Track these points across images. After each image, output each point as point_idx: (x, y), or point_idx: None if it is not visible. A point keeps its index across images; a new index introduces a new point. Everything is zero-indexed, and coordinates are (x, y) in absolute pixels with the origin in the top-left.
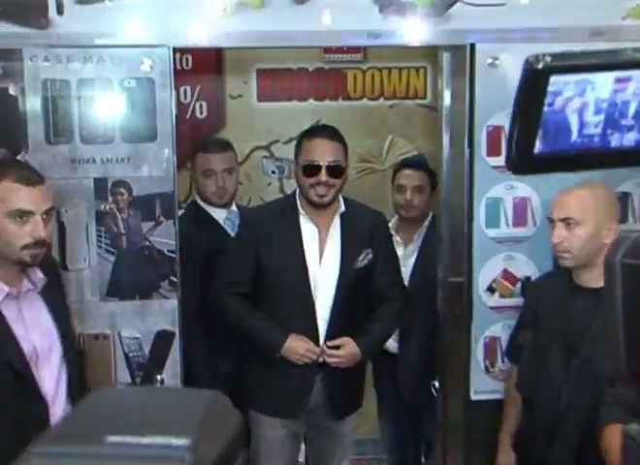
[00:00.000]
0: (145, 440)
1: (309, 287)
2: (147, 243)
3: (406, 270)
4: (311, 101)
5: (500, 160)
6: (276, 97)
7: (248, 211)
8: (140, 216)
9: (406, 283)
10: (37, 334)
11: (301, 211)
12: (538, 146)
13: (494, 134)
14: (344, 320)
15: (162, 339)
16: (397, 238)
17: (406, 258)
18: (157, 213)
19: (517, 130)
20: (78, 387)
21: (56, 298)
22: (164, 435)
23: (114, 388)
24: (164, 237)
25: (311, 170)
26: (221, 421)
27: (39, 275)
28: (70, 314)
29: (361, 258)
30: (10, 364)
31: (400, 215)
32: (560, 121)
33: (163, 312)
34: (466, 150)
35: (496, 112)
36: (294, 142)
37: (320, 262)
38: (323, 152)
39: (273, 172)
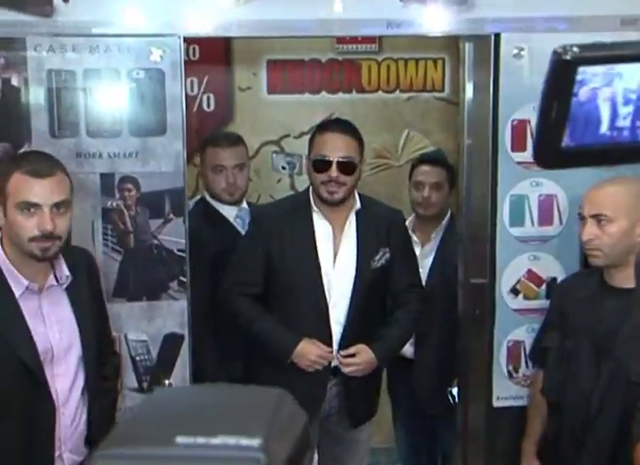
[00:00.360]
0: (216, 440)
1: (322, 288)
2: (156, 242)
3: (424, 270)
4: (324, 93)
5: (526, 155)
6: (287, 89)
7: (259, 208)
8: (148, 213)
9: (424, 284)
10: (56, 332)
11: (314, 208)
12: (566, 140)
13: (519, 128)
14: (360, 323)
15: (170, 342)
16: (414, 238)
17: (424, 257)
18: (166, 210)
19: (544, 123)
20: (107, 390)
21: (83, 296)
22: (234, 435)
23: (176, 387)
24: (173, 236)
25: (322, 165)
26: (288, 420)
27: (65, 271)
28: (103, 313)
29: (378, 257)
30: (21, 361)
31: (418, 213)
32: (588, 114)
33: (172, 314)
34: (490, 145)
35: (521, 106)
36: (305, 137)
37: (334, 261)
38: (334, 147)
39: (284, 168)
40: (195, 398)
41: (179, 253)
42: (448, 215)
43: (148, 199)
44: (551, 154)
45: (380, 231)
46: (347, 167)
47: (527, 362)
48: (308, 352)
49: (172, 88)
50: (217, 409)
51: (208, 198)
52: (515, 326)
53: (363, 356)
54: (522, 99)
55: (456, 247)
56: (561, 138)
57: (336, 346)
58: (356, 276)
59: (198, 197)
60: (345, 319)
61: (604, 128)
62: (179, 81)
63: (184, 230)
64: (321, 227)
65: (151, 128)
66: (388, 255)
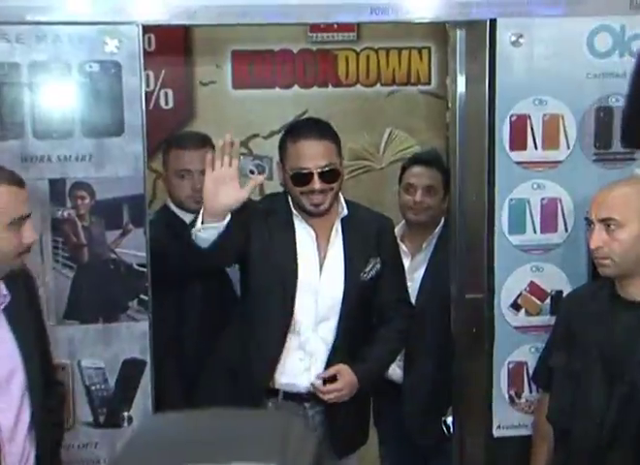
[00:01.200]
0: None
1: (292, 303)
2: (113, 256)
3: (413, 285)
4: (296, 88)
5: (526, 155)
6: (255, 84)
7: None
8: (104, 224)
9: (413, 300)
10: None
11: (294, 212)
12: None
13: (518, 124)
14: (351, 343)
15: (130, 369)
16: (402, 247)
17: (414, 270)
18: (125, 220)
19: (635, 101)
20: (52, 424)
21: (24, 317)
22: (248, 461)
23: (171, 414)
24: (133, 249)
25: (301, 178)
26: (300, 443)
27: (2, 291)
28: (46, 337)
29: (368, 268)
30: None
31: (408, 219)
32: None
33: (131, 337)
34: (486, 144)
35: (520, 99)
36: (276, 137)
37: (320, 273)
38: (313, 156)
39: (252, 173)
40: (196, 425)
41: (140, 268)
42: (441, 223)
43: (104, 207)
44: None
45: (369, 239)
46: (330, 175)
47: (530, 386)
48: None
49: (130, 83)
50: (224, 435)
51: (171, 206)
52: (517, 346)
53: (345, 378)
54: (521, 92)
55: (449, 258)
56: None
57: (319, 368)
58: (345, 289)
59: (158, 206)
60: (334, 337)
61: None
62: (138, 75)
63: (145, 242)
64: (304, 234)
65: (107, 128)
66: (379, 266)
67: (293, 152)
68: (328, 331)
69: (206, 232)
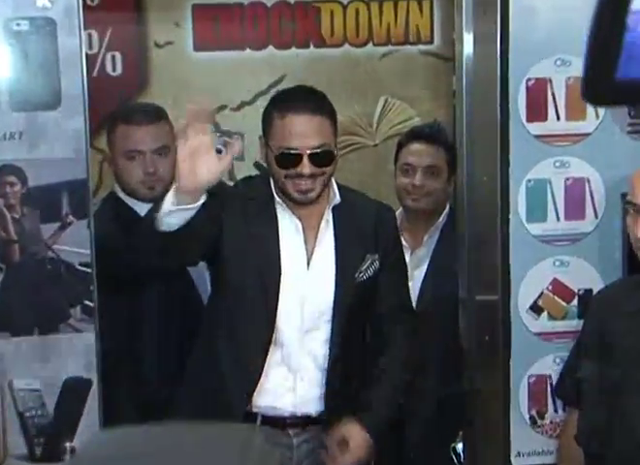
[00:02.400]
0: None
1: (276, 303)
2: (50, 254)
3: (414, 285)
4: (271, 49)
5: (547, 127)
6: (221, 45)
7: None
8: (39, 215)
9: (414, 302)
10: None
11: (277, 199)
12: (620, 71)
13: (536, 90)
14: (345, 360)
15: (73, 391)
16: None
17: (414, 268)
18: (64, 211)
19: (595, 49)
20: None
21: None
22: None
23: (124, 428)
24: (74, 245)
25: (288, 160)
26: (262, 460)
27: None
28: None
29: (364, 266)
30: None
31: (406, 206)
32: None
33: (74, 352)
34: (498, 115)
35: (539, 60)
36: (247, 109)
37: (308, 270)
38: (304, 135)
39: (219, 152)
40: (150, 439)
41: (83, 268)
42: (446, 210)
43: (39, 195)
44: (602, 87)
45: (366, 232)
46: (323, 157)
47: (555, 405)
48: None
49: (67, 44)
50: (179, 450)
51: (119, 193)
52: (538, 356)
53: (356, 439)
54: (540, 51)
55: (457, 252)
56: (615, 68)
57: (306, 389)
58: (337, 292)
59: (105, 193)
60: (325, 351)
61: None
62: (78, 35)
63: (89, 236)
64: (288, 225)
65: (40, 99)
66: (377, 264)
67: (280, 128)
68: (317, 343)
69: (177, 215)
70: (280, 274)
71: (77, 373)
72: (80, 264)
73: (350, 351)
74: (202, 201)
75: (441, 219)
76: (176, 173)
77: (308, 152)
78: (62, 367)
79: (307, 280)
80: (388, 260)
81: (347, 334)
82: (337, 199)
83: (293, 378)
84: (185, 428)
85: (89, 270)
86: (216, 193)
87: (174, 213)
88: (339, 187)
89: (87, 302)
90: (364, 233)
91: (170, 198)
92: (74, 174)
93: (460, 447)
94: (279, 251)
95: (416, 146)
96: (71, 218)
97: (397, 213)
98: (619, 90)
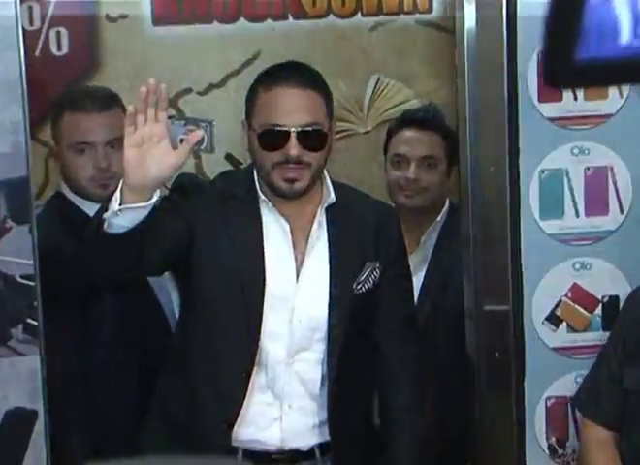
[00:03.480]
0: None
1: (259, 320)
2: None
3: None
4: (243, 22)
5: (562, 107)
6: (185, 17)
7: (181, 177)
8: None
9: None
10: None
11: (261, 197)
12: (580, 52)
13: None
14: (341, 386)
15: (15, 424)
16: None
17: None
18: (1, 215)
19: (553, 28)
20: None
21: None
22: None
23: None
24: (14, 255)
25: (273, 139)
26: None
27: None
28: None
29: (364, 275)
30: None
31: (399, 204)
32: (605, 18)
33: (16, 378)
34: (505, 94)
35: None
36: (216, 93)
37: (297, 280)
38: (292, 109)
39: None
40: None
41: (25, 281)
42: (446, 207)
43: None
44: (562, 69)
45: (365, 236)
46: (313, 138)
47: (577, 431)
48: None
49: (1, 20)
50: None
51: (66, 193)
52: (557, 375)
53: None
54: None
55: (460, 256)
56: (573, 48)
57: (295, 420)
58: (331, 305)
59: (51, 193)
60: (317, 375)
61: (624, 37)
62: (13, 6)
63: (32, 244)
64: (274, 227)
65: None
66: (378, 273)
67: (265, 104)
68: (307, 366)
69: (125, 215)
70: (264, 285)
71: (19, 403)
72: (22, 277)
73: (348, 374)
74: (154, 199)
75: (440, 218)
76: (124, 167)
77: (297, 130)
78: (2, 397)
79: (296, 292)
80: (391, 269)
81: (344, 355)
82: (332, 197)
83: (279, 406)
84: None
85: (32, 283)
86: (187, 190)
87: (122, 213)
88: (334, 184)
89: (30, 321)
90: (362, 238)
91: (117, 196)
92: (12, 172)
93: None
94: (263, 258)
95: (408, 134)
96: (10, 223)
97: None
98: (579, 72)
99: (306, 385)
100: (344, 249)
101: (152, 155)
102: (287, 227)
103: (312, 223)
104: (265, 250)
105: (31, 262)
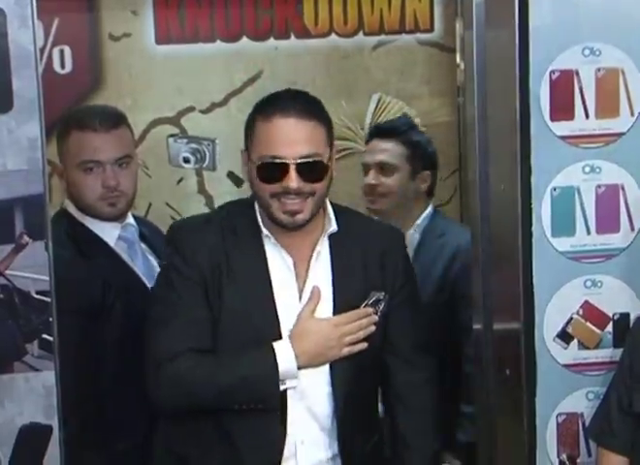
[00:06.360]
0: None
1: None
2: (2, 280)
3: None
4: (245, 41)
5: (574, 126)
6: (187, 36)
7: (180, 225)
8: None
9: None
10: None
11: (264, 231)
12: None
13: (562, 83)
14: (353, 418)
15: (30, 439)
16: None
17: None
18: (17, 231)
19: None
20: None
21: None
22: None
23: None
24: (30, 271)
25: (272, 171)
26: None
27: None
28: None
29: (369, 305)
30: None
31: (367, 208)
32: None
33: (31, 394)
34: (517, 113)
35: (564, 49)
36: (219, 111)
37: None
38: (290, 141)
39: (187, 161)
40: None
41: (41, 297)
42: (428, 211)
43: None
44: None
45: (370, 263)
46: (313, 170)
47: (589, 447)
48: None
49: (19, 38)
50: None
51: (72, 210)
52: (568, 391)
53: None
54: (565, 39)
55: (450, 264)
56: None
57: (307, 455)
58: None
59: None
60: (331, 413)
61: None
62: (31, 27)
63: (48, 260)
64: (278, 262)
65: None
66: (384, 302)
67: (263, 134)
68: (317, 399)
69: None
70: (280, 327)
71: (35, 419)
72: (38, 293)
73: (359, 404)
74: None
75: (420, 221)
76: None
77: (296, 161)
78: (17, 412)
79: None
80: (398, 296)
81: (353, 386)
82: (334, 227)
83: (293, 442)
84: None
85: (48, 299)
86: (185, 253)
87: None
88: (337, 211)
89: (46, 336)
90: (367, 265)
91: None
92: (28, 189)
93: None
94: (274, 298)
95: (372, 144)
96: (26, 239)
97: None
98: None
99: (317, 419)
100: (348, 279)
101: None
102: (290, 260)
103: (313, 253)
104: (274, 290)
105: (47, 278)
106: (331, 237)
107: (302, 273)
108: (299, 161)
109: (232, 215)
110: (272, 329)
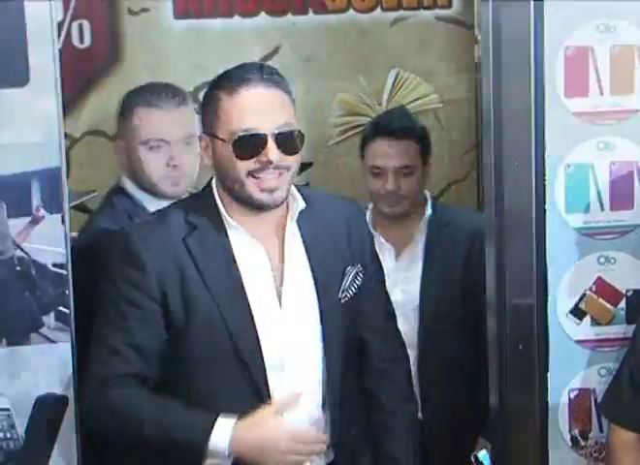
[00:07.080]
0: None
1: (261, 357)
2: (19, 253)
3: (408, 290)
4: (263, 16)
5: (589, 103)
6: (205, 11)
7: (129, 231)
8: (5, 209)
9: (413, 312)
10: None
11: (228, 222)
12: None
13: (576, 60)
14: (343, 408)
15: (47, 410)
16: (381, 241)
17: (404, 269)
18: (34, 204)
19: None
20: None
21: None
22: None
23: None
24: (47, 243)
25: (249, 145)
26: None
27: None
28: None
29: (347, 282)
30: None
31: (382, 212)
32: None
33: (48, 365)
34: (532, 89)
35: (579, 25)
36: None
37: (280, 304)
38: (266, 110)
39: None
40: None
41: (57, 269)
42: (429, 204)
43: (5, 186)
44: None
45: (338, 236)
46: (291, 141)
47: (601, 422)
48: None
49: (35, 11)
50: None
51: (129, 188)
52: (580, 367)
53: None
54: (580, 15)
55: (456, 246)
56: None
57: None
58: (322, 319)
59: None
60: (328, 403)
61: None
62: (48, 1)
63: (64, 233)
64: (248, 254)
65: (4, 75)
66: (361, 275)
67: (231, 108)
68: (308, 397)
69: None
70: (257, 332)
71: (51, 390)
72: (54, 265)
73: (349, 390)
74: None
75: (426, 216)
76: None
77: (275, 132)
78: (34, 383)
79: (282, 317)
80: (369, 267)
81: (342, 372)
82: (302, 203)
83: None
84: None
85: (64, 272)
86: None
87: None
88: (299, 190)
89: (62, 308)
90: (337, 239)
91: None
92: (45, 162)
93: (482, 454)
94: (247, 297)
95: (382, 144)
96: (42, 212)
97: (369, 212)
98: None
99: (312, 417)
100: (322, 257)
101: None
102: (261, 249)
103: (285, 236)
104: (245, 285)
105: (63, 250)
106: (298, 218)
107: (275, 262)
108: (276, 131)
109: (189, 210)
110: (248, 334)
